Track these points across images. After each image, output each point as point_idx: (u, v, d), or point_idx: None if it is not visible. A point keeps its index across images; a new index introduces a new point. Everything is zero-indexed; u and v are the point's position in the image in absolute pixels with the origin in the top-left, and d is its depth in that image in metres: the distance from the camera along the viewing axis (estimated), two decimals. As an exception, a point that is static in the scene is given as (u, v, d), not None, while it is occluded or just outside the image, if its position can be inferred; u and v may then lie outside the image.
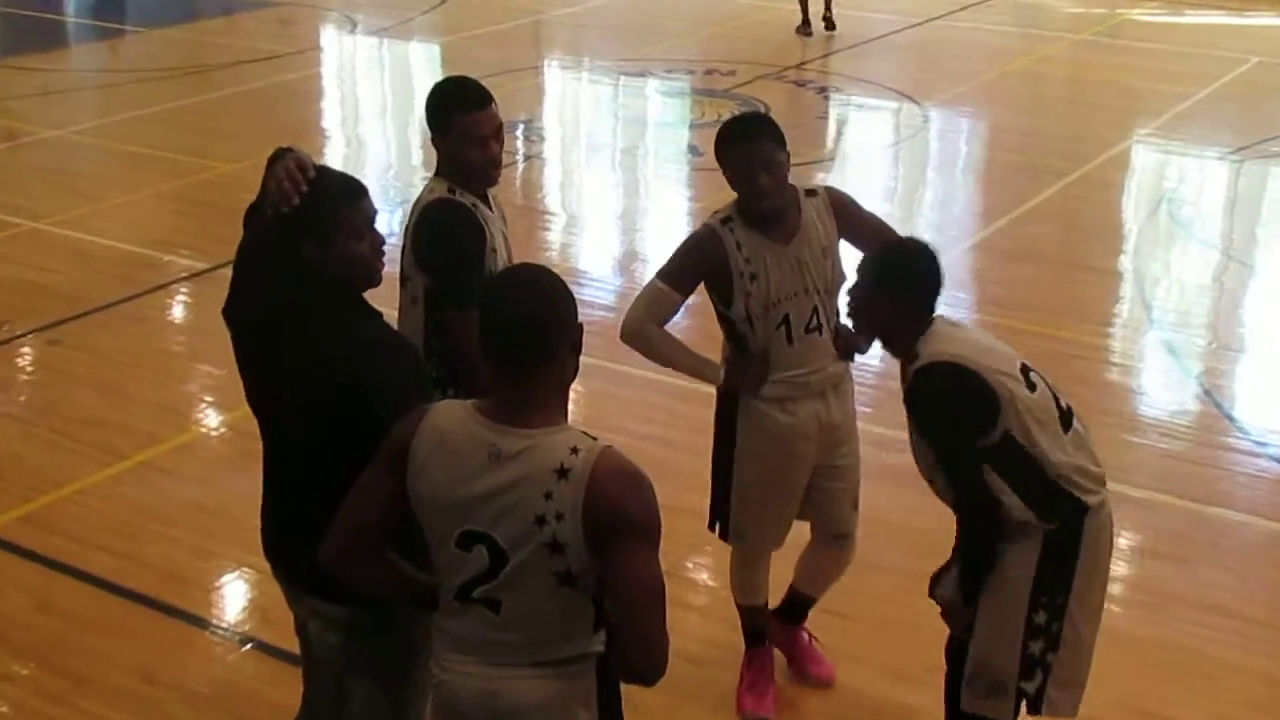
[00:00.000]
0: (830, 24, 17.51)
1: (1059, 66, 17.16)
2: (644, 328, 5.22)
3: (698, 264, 5.15)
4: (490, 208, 5.02)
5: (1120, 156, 13.13)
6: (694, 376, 5.38)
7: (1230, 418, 8.14)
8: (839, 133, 14.44)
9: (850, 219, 5.26)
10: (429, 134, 5.02)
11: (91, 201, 11.60)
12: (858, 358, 5.39)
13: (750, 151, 4.99)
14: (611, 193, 12.47)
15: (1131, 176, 12.95)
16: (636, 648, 3.32)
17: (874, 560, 6.10)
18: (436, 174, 5.03)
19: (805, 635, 5.86)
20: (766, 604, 5.74)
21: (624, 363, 8.40)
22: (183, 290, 9.89)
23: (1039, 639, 4.47)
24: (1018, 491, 4.33)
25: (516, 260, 4.89)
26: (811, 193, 5.21)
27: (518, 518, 3.29)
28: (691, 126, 14.08)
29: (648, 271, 10.33)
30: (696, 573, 6.55)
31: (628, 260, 10.64)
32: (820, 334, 5.19)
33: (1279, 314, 9.74)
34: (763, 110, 14.11)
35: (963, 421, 4.30)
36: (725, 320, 5.23)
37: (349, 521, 3.57)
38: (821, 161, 13.27)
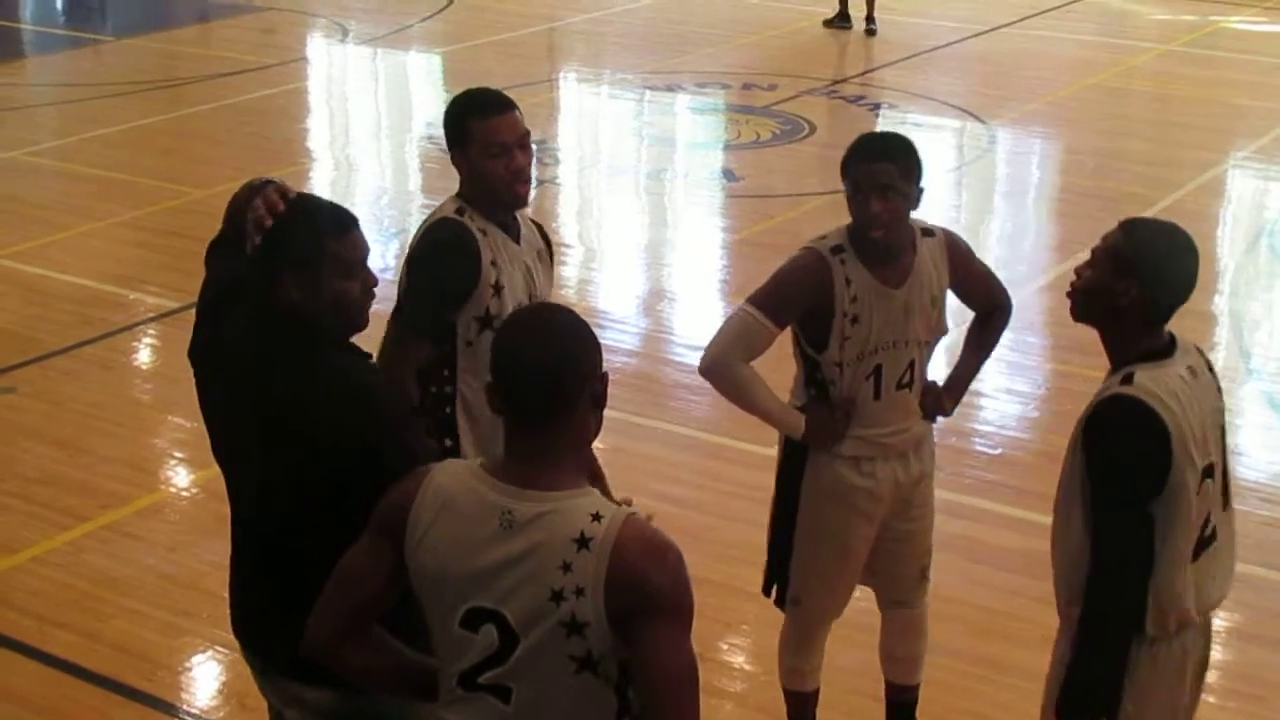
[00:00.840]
0: (872, 28, 17.57)
1: (1144, 81, 17.18)
2: (734, 364, 5.16)
3: (801, 295, 5.10)
4: (517, 237, 5.03)
5: (1214, 183, 13.14)
6: (775, 427, 5.34)
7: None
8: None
9: (963, 265, 5.31)
10: (449, 154, 5.06)
11: (48, 232, 11.68)
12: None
13: (870, 172, 4.97)
14: (635, 222, 12.53)
15: (1227, 206, 12.96)
16: None
17: (930, 641, 6.10)
18: (464, 193, 5.05)
19: None
20: (816, 695, 5.73)
21: (648, 416, 8.46)
22: (150, 332, 9.96)
23: None
24: None
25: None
26: (929, 233, 5.23)
27: (531, 593, 3.28)
28: (726, 148, 14.14)
29: (675, 312, 10.44)
30: (731, 655, 6.56)
31: (653, 299, 10.68)
32: (911, 390, 5.21)
33: (1396, 362, 9.73)
34: (806, 126, 14.19)
35: (1140, 478, 4.13)
36: (808, 362, 5.21)
37: (339, 600, 3.54)
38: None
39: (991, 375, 8.51)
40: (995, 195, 12.99)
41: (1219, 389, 4.38)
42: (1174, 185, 12.81)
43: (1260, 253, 11.57)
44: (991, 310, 5.51)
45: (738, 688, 6.35)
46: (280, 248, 3.88)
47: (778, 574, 5.52)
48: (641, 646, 3.27)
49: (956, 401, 5.49)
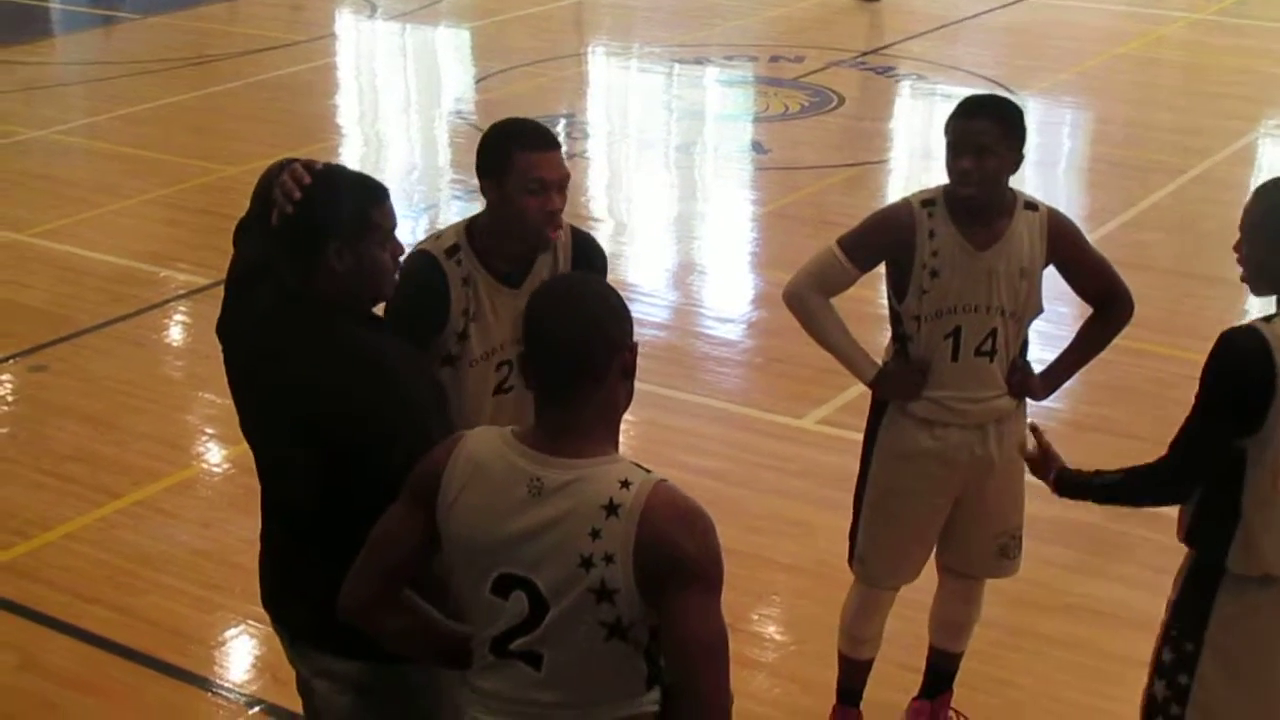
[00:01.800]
0: None
1: (1175, 50, 17.11)
2: (808, 295, 5.22)
3: (882, 240, 5.16)
4: (519, 281, 4.65)
5: (1245, 152, 13.08)
6: (846, 366, 5.35)
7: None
8: (923, 128, 14.44)
9: (1067, 248, 5.25)
10: (479, 182, 4.66)
11: (79, 210, 11.73)
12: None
13: (965, 129, 5.00)
14: (665, 195, 12.52)
15: (1258, 175, 12.86)
16: (696, 709, 3.31)
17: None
18: (473, 227, 4.72)
19: (953, 716, 5.85)
20: (870, 663, 5.72)
21: (679, 389, 8.47)
22: (181, 309, 9.99)
23: (1163, 680, 4.42)
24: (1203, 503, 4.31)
25: None
26: (1032, 206, 5.22)
27: (561, 560, 3.29)
28: (755, 120, 14.13)
29: (705, 284, 10.44)
30: (762, 625, 6.56)
31: (683, 272, 10.68)
32: (992, 360, 5.16)
33: None
34: (835, 99, 14.16)
35: (1235, 410, 4.17)
36: (894, 316, 5.24)
37: (374, 564, 3.57)
38: (902, 160, 13.28)
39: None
40: (1026, 165, 12.82)
41: None
42: (1204, 154, 12.76)
43: (1292, 221, 11.48)
44: (1106, 303, 5.37)
45: (769, 658, 6.35)
46: (326, 219, 3.87)
47: (852, 535, 5.51)
48: (671, 613, 3.27)
49: (1051, 388, 5.39)
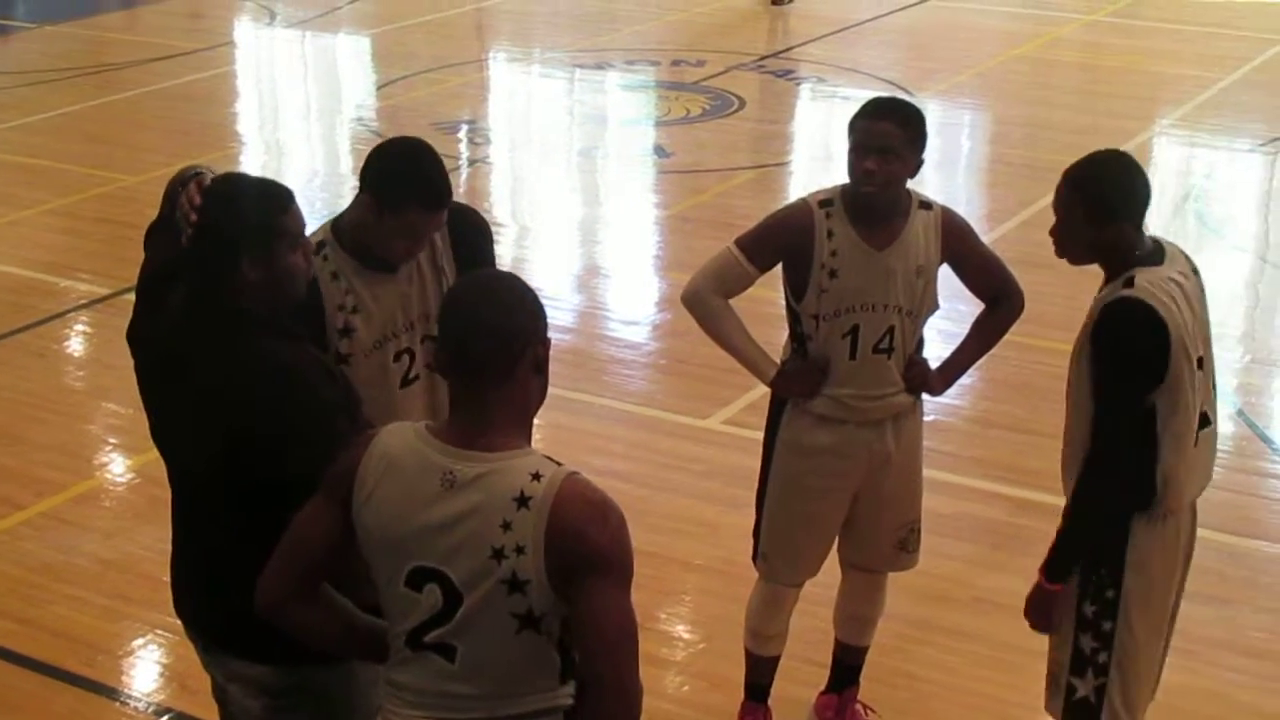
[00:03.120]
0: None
1: (1070, 51, 17.33)
2: (707, 296, 5.26)
3: (779, 239, 5.19)
4: (395, 266, 4.62)
5: (1139, 151, 13.23)
6: (745, 366, 5.38)
7: (1266, 439, 8.24)
8: (824, 130, 14.54)
9: (960, 246, 5.31)
10: (360, 185, 4.58)
11: (-23, 220, 11.61)
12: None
13: (870, 130, 5.03)
14: (568, 200, 12.55)
15: (1153, 173, 12.95)
16: (610, 697, 3.34)
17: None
18: (338, 223, 4.70)
19: (860, 710, 5.90)
20: (777, 660, 5.76)
21: (584, 391, 8.50)
22: (82, 319, 9.90)
23: (1088, 633, 4.66)
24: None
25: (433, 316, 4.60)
26: (926, 205, 5.27)
27: (473, 552, 3.31)
28: (657, 124, 14.17)
29: (610, 288, 10.46)
30: (671, 624, 6.60)
31: (587, 276, 10.70)
32: (890, 357, 5.21)
33: (1320, 323, 9.86)
34: (735, 102, 14.23)
35: (1142, 372, 4.44)
36: (792, 315, 5.26)
37: (290, 560, 3.58)
38: (803, 162, 13.36)
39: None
40: (926, 166, 12.92)
41: (1203, 289, 4.73)
42: (1100, 153, 12.90)
43: (1186, 219, 11.68)
44: (998, 299, 5.46)
45: (678, 656, 6.38)
46: (234, 235, 3.87)
47: (756, 533, 5.53)
48: (581, 605, 3.30)
49: (947, 383, 5.47)
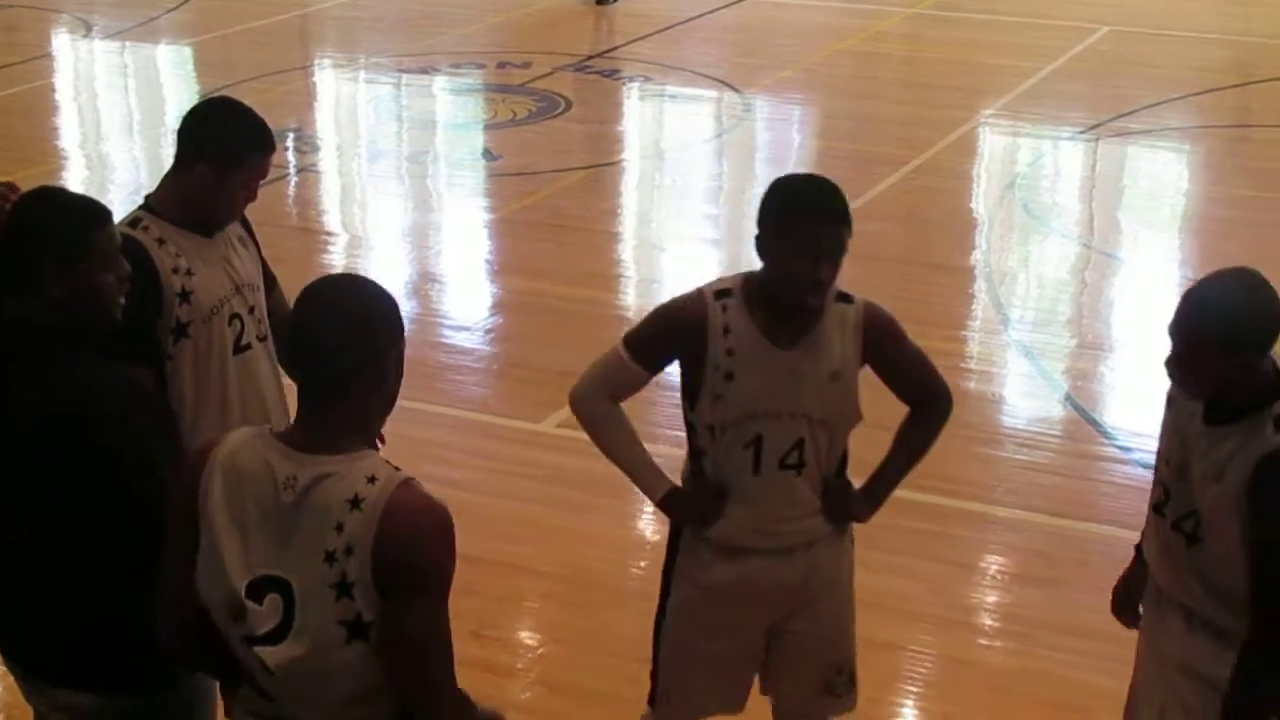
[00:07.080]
0: None
1: (892, 44, 17.54)
2: (595, 400, 4.61)
3: (668, 335, 4.50)
4: (210, 230, 4.74)
5: (964, 141, 13.44)
6: (634, 482, 4.72)
7: (1095, 423, 8.37)
8: (653, 128, 14.59)
9: (884, 347, 4.55)
10: (181, 158, 4.75)
11: None
12: None
13: (821, 234, 4.29)
14: (398, 206, 12.44)
15: (977, 162, 13.26)
16: (433, 701, 3.33)
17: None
18: (151, 201, 4.75)
19: None
20: None
21: (418, 399, 8.42)
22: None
23: None
24: None
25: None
26: (845, 298, 4.49)
27: (310, 556, 3.27)
28: (486, 127, 14.12)
29: (441, 294, 10.40)
30: (509, 632, 6.53)
31: (421, 282, 10.61)
32: (800, 473, 4.49)
33: (1144, 308, 10.02)
34: (562, 103, 14.22)
35: None
36: (688, 426, 4.57)
37: (173, 608, 3.48)
38: (634, 161, 13.38)
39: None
40: (755, 162, 13.13)
41: None
42: (926, 144, 13.08)
43: (1011, 207, 11.84)
44: (925, 403, 4.70)
45: (520, 664, 6.34)
46: (41, 242, 3.80)
47: (653, 669, 4.88)
48: (396, 610, 3.26)
49: (875, 505, 4.70)
